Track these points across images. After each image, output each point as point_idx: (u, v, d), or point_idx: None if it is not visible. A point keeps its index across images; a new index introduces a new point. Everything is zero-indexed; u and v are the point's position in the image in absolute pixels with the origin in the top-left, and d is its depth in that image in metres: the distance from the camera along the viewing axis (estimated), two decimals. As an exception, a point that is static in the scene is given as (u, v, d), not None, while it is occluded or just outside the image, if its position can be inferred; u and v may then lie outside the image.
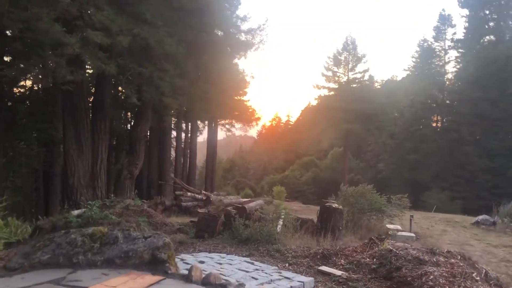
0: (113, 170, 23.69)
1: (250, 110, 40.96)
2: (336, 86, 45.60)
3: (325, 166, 56.80)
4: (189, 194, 14.27)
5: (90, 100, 17.33)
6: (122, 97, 21.54)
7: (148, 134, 27.97)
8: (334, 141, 55.47)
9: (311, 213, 15.78)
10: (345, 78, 44.77)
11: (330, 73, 45.01)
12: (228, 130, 41.24)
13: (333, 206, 9.82)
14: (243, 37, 19.63)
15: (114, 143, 28.84)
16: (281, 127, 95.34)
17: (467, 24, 49.41)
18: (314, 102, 60.87)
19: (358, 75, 44.71)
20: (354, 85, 45.11)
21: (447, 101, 49.00)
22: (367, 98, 41.56)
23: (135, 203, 10.81)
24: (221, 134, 44.16)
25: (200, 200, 14.59)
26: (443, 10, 55.36)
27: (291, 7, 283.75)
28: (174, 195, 15.20)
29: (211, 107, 25.56)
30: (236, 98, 38.62)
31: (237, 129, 42.29)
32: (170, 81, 15.10)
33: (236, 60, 26.54)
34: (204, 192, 15.28)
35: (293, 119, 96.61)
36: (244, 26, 20.38)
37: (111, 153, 26.46)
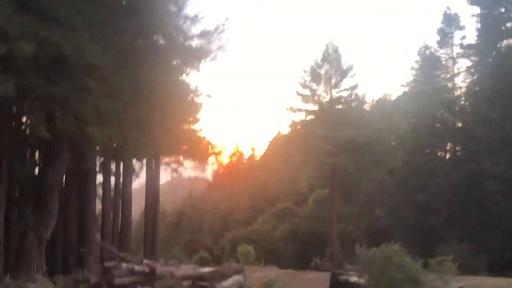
0: (13, 233, 22.31)
1: (204, 142, 40.50)
2: (316, 108, 45.73)
3: (306, 215, 56.56)
4: (124, 265, 13.18)
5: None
6: (27, 129, 20.54)
7: (64, 180, 26.84)
8: (315, 181, 55.35)
9: (302, 285, 14.94)
10: (327, 98, 44.93)
11: (307, 91, 45.16)
12: (175, 170, 40.33)
13: (351, 280, 8.95)
14: (194, 42, 19.15)
15: (17, 194, 27.50)
16: (244, 164, 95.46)
17: (478, 25, 51.29)
18: (287, 130, 61.05)
19: (344, 93, 44.98)
20: (339, 106, 45.33)
21: (460, 124, 50.12)
22: (356, 123, 41.64)
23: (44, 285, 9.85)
24: (164, 176, 43.16)
25: (141, 273, 13.53)
26: (448, 8, 56.06)
27: (258, 4, 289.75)
28: (102, 267, 14.07)
29: (152, 139, 24.79)
30: (184, 127, 38.21)
31: (187, 169, 41.51)
32: (95, 104, 14.50)
33: (185, 76, 26.18)
34: (145, 261, 14.21)
35: (259, 153, 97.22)
36: (196, 29, 19.95)
37: (11, 209, 25.15)
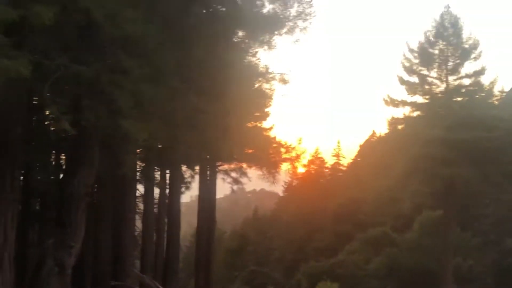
0: (29, 259, 22.61)
1: (275, 144, 39.97)
2: (426, 101, 44.48)
3: (409, 244, 55.24)
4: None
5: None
6: (46, 123, 20.77)
7: (95, 191, 27.17)
8: (423, 199, 54.03)
9: None
10: (441, 87, 43.66)
11: (414, 78, 44.00)
12: (236, 181, 40.33)
13: None
14: (267, 7, 18.68)
15: (37, 207, 28.20)
16: (326, 174, 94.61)
17: None
18: (384, 130, 59.81)
19: (465, 81, 43.62)
20: (458, 98, 43.91)
21: None
22: (482, 121, 40.21)
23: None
24: (221, 189, 43.10)
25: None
26: None
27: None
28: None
29: (207, 139, 24.55)
30: (249, 124, 37.89)
31: (251, 179, 41.31)
32: (133, 90, 14.21)
33: (251, 56, 25.79)
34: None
35: (346, 160, 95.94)
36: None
37: (28, 225, 25.69)
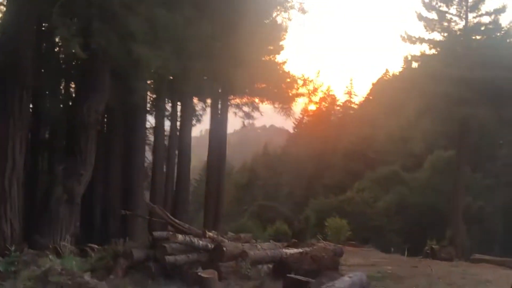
0: (38, 186, 22.36)
1: (289, 78, 39.21)
2: (444, 39, 43.34)
3: (419, 184, 55.45)
4: (179, 237, 12.37)
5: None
6: (56, 48, 20.22)
7: (106, 120, 26.72)
8: (435, 139, 53.58)
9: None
10: (460, 24, 42.46)
11: (433, 15, 42.74)
12: (248, 115, 39.76)
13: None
14: None
15: (47, 135, 27.78)
16: (337, 112, 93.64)
17: None
18: (397, 69, 58.82)
19: (485, 19, 42.31)
20: (477, 37, 42.72)
21: None
22: (501, 61, 39.14)
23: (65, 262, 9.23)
24: (231, 124, 42.58)
25: (203, 249, 12.70)
26: None
27: None
28: (150, 237, 13.39)
29: (220, 71, 23.97)
30: (264, 58, 37.06)
31: (263, 114, 40.75)
32: (147, 14, 13.67)
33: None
34: (209, 234, 13.39)
35: (357, 98, 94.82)
36: None
37: (37, 154, 25.34)
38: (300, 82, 35.91)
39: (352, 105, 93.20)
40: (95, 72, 16.92)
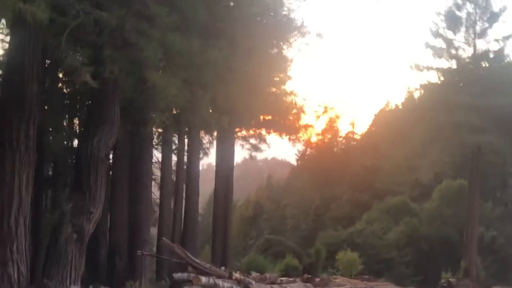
0: (44, 226, 21.62)
1: (295, 110, 38.98)
2: (451, 66, 42.91)
3: (429, 214, 55.12)
4: (203, 279, 11.42)
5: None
6: (63, 79, 19.63)
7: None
8: (443, 169, 52.96)
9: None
10: (468, 51, 41.97)
11: (440, 42, 42.36)
12: (254, 147, 39.30)
13: None
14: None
15: (50, 172, 27.30)
16: (340, 144, 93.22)
17: None
18: (398, 100, 58.56)
19: (493, 46, 41.86)
20: (485, 64, 42.24)
21: None
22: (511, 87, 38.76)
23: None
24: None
25: (229, 292, 11.79)
26: None
27: None
28: (170, 280, 12.46)
29: (231, 99, 23.35)
30: (270, 88, 36.80)
31: (269, 146, 40.50)
32: (161, 39, 12.99)
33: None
34: (235, 274, 12.40)
35: (359, 130, 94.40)
36: None
37: (41, 191, 24.67)
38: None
39: (355, 136, 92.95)
40: (104, 103, 16.15)
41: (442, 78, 44.23)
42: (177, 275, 12.42)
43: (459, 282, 35.49)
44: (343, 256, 40.09)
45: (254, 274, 15.94)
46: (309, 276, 22.74)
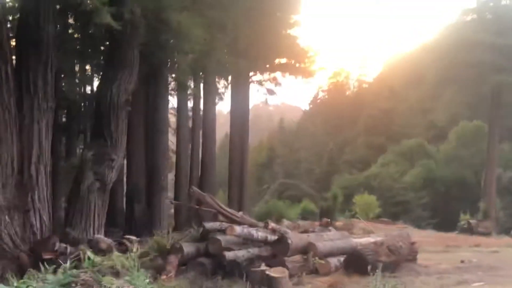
0: (64, 173, 21.73)
1: (308, 54, 38.47)
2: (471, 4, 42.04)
3: (445, 156, 54.72)
4: (237, 229, 10.85)
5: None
6: (76, 23, 18.95)
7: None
8: (461, 109, 52.27)
9: None
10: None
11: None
12: (270, 91, 38.58)
13: None
14: None
15: (64, 119, 26.79)
16: (351, 86, 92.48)
17: None
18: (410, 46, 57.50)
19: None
20: (505, 1, 41.34)
21: None
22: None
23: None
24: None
25: (263, 242, 11.22)
26: None
27: None
28: (200, 228, 11.90)
29: (246, 41, 22.81)
30: (283, 32, 36.23)
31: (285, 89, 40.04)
32: None
33: None
34: (272, 224, 11.84)
35: (371, 74, 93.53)
36: None
37: (57, 139, 24.18)
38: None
39: (364, 82, 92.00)
40: (124, 47, 15.43)
41: (461, 18, 43.52)
42: (209, 225, 11.84)
43: (479, 223, 35.06)
44: (360, 199, 39.82)
45: (286, 222, 15.47)
46: (328, 220, 22.27)
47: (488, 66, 37.62)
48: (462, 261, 13.61)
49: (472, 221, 35.04)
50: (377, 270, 8.92)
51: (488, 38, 37.66)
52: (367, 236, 14.09)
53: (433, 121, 59.12)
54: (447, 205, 46.86)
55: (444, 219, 43.16)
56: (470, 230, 33.85)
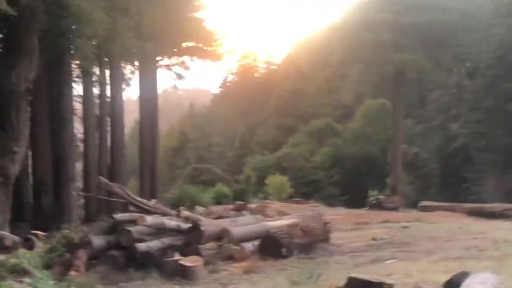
0: None
1: (215, 37, 38.42)
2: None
3: (352, 134, 55.48)
4: (149, 219, 10.47)
5: None
6: None
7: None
8: (366, 88, 53.12)
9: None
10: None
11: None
12: (179, 76, 38.32)
13: None
14: None
15: None
16: (260, 71, 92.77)
17: None
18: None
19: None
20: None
21: None
22: (435, 3, 38.86)
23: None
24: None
25: (175, 231, 10.89)
26: None
27: None
28: (110, 219, 11.43)
29: (156, 25, 22.30)
30: (189, 15, 35.97)
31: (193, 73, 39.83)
32: None
33: None
34: (184, 212, 11.54)
35: (280, 57, 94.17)
36: None
37: None
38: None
39: (272, 65, 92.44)
40: (22, 33, 14.70)
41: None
42: (119, 216, 11.37)
43: (387, 199, 35.86)
44: (272, 180, 39.92)
45: (199, 208, 15.21)
46: (242, 202, 22.15)
47: (390, 45, 38.22)
48: (374, 239, 13.77)
49: (381, 197, 35.82)
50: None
51: (389, 17, 38.25)
52: (281, 218, 13.92)
53: (340, 101, 59.82)
54: (356, 182, 47.54)
55: (354, 196, 43.73)
56: (379, 206, 34.51)
